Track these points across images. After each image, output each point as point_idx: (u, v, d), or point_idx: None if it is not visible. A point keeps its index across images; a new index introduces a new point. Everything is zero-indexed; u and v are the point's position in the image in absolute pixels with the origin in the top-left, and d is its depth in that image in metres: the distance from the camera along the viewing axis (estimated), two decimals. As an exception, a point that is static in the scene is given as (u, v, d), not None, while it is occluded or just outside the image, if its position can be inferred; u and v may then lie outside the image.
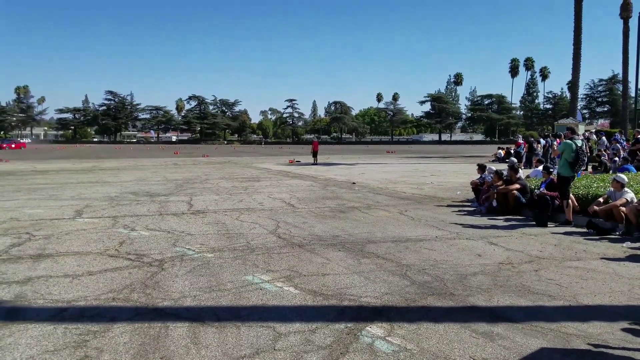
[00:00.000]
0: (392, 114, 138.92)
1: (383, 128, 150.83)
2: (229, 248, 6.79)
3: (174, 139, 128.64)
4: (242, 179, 18.16)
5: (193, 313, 4.39)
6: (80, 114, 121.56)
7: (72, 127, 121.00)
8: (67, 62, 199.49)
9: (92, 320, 4.23)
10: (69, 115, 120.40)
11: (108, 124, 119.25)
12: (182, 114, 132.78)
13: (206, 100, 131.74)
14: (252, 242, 7.13)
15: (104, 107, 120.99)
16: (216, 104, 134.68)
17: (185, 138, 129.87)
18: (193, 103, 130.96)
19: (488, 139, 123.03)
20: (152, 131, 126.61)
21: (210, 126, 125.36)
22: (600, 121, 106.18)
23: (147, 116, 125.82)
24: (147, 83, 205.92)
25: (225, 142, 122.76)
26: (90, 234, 7.72)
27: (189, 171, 22.83)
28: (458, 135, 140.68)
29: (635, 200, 8.11)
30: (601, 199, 8.50)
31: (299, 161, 32.35)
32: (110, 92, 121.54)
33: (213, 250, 6.65)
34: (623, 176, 8.58)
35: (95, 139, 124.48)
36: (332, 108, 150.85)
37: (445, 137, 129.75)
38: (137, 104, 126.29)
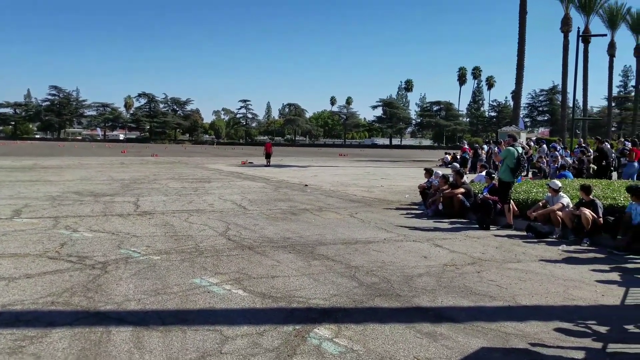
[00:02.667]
0: (345, 117, 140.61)
1: (336, 131, 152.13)
2: (177, 250, 6.63)
3: (121, 137, 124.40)
4: (192, 180, 17.79)
5: (137, 317, 4.25)
6: (21, 109, 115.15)
7: (13, 123, 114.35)
8: (8, 53, 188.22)
9: (28, 325, 4.01)
10: (9, 110, 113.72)
11: (51, 120, 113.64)
12: (131, 112, 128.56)
13: (156, 98, 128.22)
14: (201, 244, 7.00)
15: (48, 103, 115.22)
16: (167, 102, 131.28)
17: (134, 137, 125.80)
18: (143, 101, 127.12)
19: (436, 144, 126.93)
20: (98, 129, 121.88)
21: (160, 125, 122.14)
22: (541, 129, 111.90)
23: (94, 113, 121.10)
24: (94, 79, 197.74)
25: (176, 141, 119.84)
26: (29, 235, 7.32)
27: (137, 171, 22.11)
28: (408, 140, 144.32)
29: (570, 205, 8.59)
30: (540, 204, 8.92)
31: (251, 162, 32.07)
32: (55, 87, 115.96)
33: (160, 253, 6.47)
34: (556, 182, 9.05)
35: (37, 136, 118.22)
36: (287, 110, 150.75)
37: (395, 141, 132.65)
38: (83, 100, 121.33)
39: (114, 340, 3.80)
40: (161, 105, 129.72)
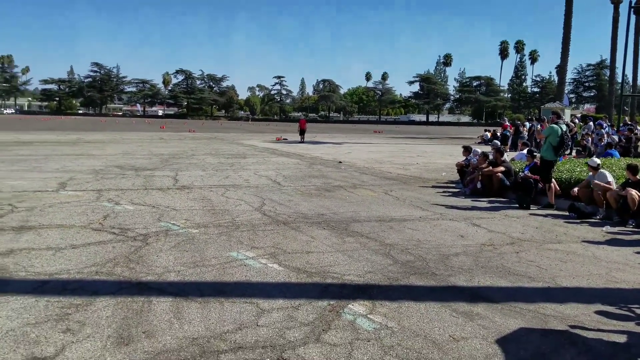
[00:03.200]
0: (380, 93, 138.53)
1: (371, 108, 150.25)
2: (214, 224, 6.77)
3: (160, 113, 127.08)
4: (228, 156, 18.03)
5: (176, 288, 4.39)
6: (65, 85, 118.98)
7: (57, 99, 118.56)
8: (52, 31, 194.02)
9: (74, 294, 4.20)
10: (53, 87, 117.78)
11: (93, 96, 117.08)
12: (169, 88, 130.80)
13: (193, 75, 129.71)
14: (237, 219, 7.11)
15: (90, 79, 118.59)
16: (203, 79, 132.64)
17: (172, 112, 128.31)
18: (180, 77, 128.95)
19: (475, 121, 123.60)
20: (138, 105, 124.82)
21: (197, 101, 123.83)
22: (587, 106, 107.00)
23: (134, 89, 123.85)
24: (135, 55, 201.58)
25: (212, 118, 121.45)
26: (73, 207, 7.63)
27: (175, 146, 22.58)
28: (446, 117, 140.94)
29: (614, 183, 8.26)
30: (583, 183, 8.62)
31: (286, 139, 32.18)
32: (96, 64, 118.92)
33: (198, 226, 6.62)
34: (595, 159, 8.80)
35: (80, 112, 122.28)
36: (321, 86, 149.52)
37: (432, 118, 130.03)
38: (124, 77, 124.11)
39: (154, 310, 3.94)
40: (198, 82, 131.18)
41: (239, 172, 12.77)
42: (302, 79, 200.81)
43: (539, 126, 22.06)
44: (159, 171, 12.59)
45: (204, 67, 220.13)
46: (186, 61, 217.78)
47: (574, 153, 20.37)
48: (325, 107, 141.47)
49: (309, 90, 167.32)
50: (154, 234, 6.18)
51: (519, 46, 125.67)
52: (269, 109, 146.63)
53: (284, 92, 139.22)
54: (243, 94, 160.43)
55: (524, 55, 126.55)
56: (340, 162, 16.53)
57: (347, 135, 44.06)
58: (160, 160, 15.62)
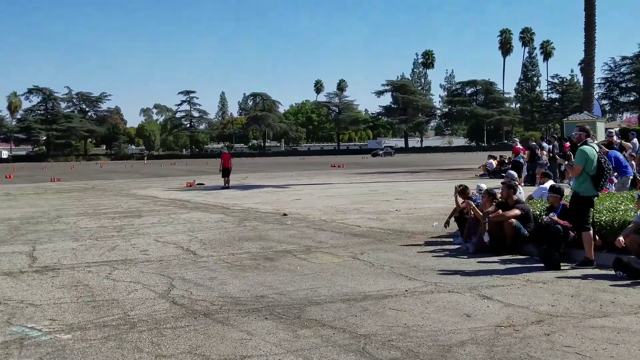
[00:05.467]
0: (337, 110, 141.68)
1: (325, 131, 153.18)
2: (97, 324, 6.56)
3: (5, 154, 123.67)
4: (114, 215, 17.70)
5: None
6: None
7: None
8: None
9: None
10: None
11: None
12: (18, 117, 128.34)
13: (55, 95, 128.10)
14: (133, 313, 6.93)
15: None
16: (72, 101, 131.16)
17: (24, 153, 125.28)
18: (35, 99, 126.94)
19: (473, 143, 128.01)
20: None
21: (62, 134, 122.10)
22: (626, 115, 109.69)
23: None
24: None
25: (87, 157, 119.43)
26: None
27: (30, 204, 21.98)
28: (432, 140, 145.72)
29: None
30: (631, 227, 8.90)
31: (201, 184, 32.00)
32: None
33: (71, 329, 6.40)
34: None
35: None
36: (250, 103, 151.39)
37: (413, 142, 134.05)
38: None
39: None
40: (63, 105, 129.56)
41: (132, 240, 12.53)
42: (223, 93, 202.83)
43: (565, 161, 23.00)
44: (5, 245, 12.19)
45: (71, 84, 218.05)
46: (43, 76, 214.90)
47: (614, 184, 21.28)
48: (259, 134, 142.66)
49: (233, 109, 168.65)
50: (1, 345, 5.90)
51: (526, 36, 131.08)
52: (174, 140, 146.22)
53: (195, 113, 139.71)
54: (133, 120, 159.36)
55: (534, 48, 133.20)
56: (284, 214, 16.58)
57: (294, 173, 44.41)
58: (7, 228, 15.12)
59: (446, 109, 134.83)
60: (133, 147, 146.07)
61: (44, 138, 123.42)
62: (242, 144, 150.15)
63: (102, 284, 8.48)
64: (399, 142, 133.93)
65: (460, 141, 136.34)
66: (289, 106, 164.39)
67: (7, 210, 19.93)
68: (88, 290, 8.13)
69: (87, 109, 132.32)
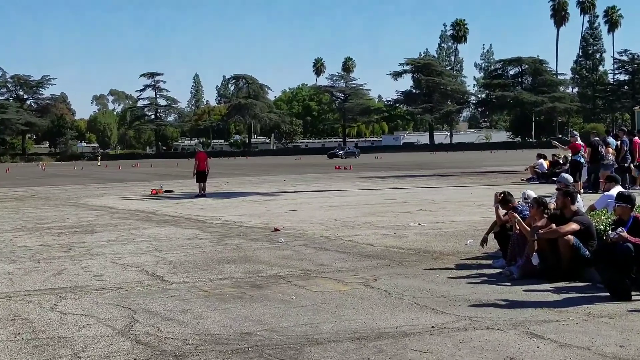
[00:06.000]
0: (342, 96, 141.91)
1: (328, 123, 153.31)
2: (39, 369, 6.55)
3: None
4: (60, 230, 17.72)
5: None
6: None
7: None
8: None
9: None
10: None
11: None
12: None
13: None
14: (85, 354, 6.95)
15: None
16: (5, 86, 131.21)
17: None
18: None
19: (517, 138, 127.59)
20: None
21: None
22: None
23: None
24: None
25: (25, 157, 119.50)
26: None
27: (-46, 217, 21.95)
28: (464, 134, 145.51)
29: None
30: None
31: (170, 191, 32.02)
32: None
33: (6, 376, 6.39)
34: None
35: None
36: (232, 89, 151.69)
37: (440, 137, 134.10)
38: None
39: None
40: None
41: (83, 262, 12.55)
42: (196, 76, 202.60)
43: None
44: None
45: (4, 65, 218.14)
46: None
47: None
48: (243, 127, 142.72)
49: (210, 96, 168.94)
50: None
51: (586, 3, 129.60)
52: (136, 135, 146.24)
53: (162, 101, 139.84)
54: (83, 111, 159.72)
55: (596, 17, 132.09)
56: (276, 229, 16.55)
57: (288, 177, 44.39)
58: None
59: (483, 95, 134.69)
60: (83, 144, 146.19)
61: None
62: (222, 140, 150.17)
63: (46, 318, 8.46)
64: (422, 137, 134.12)
65: (501, 136, 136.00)
66: (280, 92, 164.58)
67: None
68: (28, 326, 8.12)
69: (25, 97, 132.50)
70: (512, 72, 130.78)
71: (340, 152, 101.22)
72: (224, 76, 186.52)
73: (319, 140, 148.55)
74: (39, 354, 7.06)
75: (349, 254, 12.84)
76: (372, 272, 10.99)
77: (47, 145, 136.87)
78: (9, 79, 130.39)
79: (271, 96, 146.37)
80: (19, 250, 14.31)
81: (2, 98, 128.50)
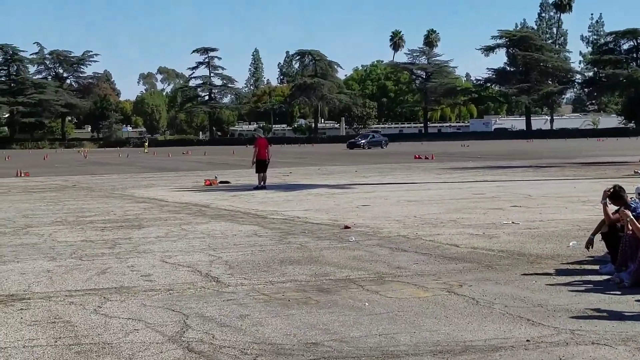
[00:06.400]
0: (424, 75, 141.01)
1: (406, 106, 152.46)
2: (82, 378, 6.71)
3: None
4: (104, 224, 18.05)
5: None
6: None
7: None
8: None
9: None
10: None
11: None
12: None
13: (20, 54, 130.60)
14: (132, 363, 7.06)
15: None
16: (43, 63, 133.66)
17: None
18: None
19: (631, 124, 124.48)
20: None
21: (31, 109, 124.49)
22: None
23: None
24: None
25: (65, 142, 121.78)
26: None
27: (-12, 208, 22.54)
28: (566, 119, 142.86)
29: None
30: None
31: (226, 182, 32.32)
32: None
33: (46, 384, 6.55)
34: None
35: None
36: (296, 66, 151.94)
37: (539, 122, 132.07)
38: None
39: None
40: (32, 69, 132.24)
41: (129, 260, 12.74)
42: (256, 52, 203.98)
43: None
44: (-44, 265, 12.51)
45: (43, 40, 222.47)
46: (3, 29, 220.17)
47: None
48: (309, 110, 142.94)
49: (271, 75, 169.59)
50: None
51: None
52: (187, 119, 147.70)
53: (217, 81, 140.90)
54: (129, 91, 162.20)
55: None
56: (346, 227, 16.59)
57: (359, 167, 44.33)
58: (-43, 240, 15.54)
59: (590, 73, 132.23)
60: (129, 128, 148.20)
61: (6, 115, 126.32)
62: (284, 125, 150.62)
63: (89, 321, 8.58)
64: (518, 122, 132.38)
65: (611, 121, 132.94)
66: (352, 70, 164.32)
67: (-44, 216, 20.46)
68: (70, 330, 8.25)
69: (65, 75, 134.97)
70: (625, 47, 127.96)
71: (363, 141, 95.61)
72: (287, 52, 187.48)
73: (396, 125, 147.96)
74: (80, 359, 7.23)
75: (430, 255, 12.79)
76: (456, 276, 10.94)
77: (89, 129, 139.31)
78: (47, 56, 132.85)
79: (341, 75, 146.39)
80: (59, 246, 14.57)
81: (40, 77, 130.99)
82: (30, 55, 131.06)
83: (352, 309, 9.06)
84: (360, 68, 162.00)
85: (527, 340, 7.67)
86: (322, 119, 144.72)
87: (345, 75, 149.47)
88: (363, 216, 18.67)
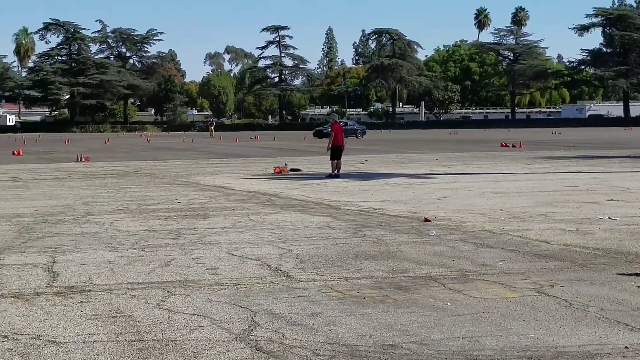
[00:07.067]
0: (511, 56, 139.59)
1: (492, 90, 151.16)
2: (144, 376, 6.78)
3: (11, 120, 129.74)
4: (168, 213, 18.28)
5: None
6: None
7: None
8: None
9: None
10: None
11: None
12: (30, 65, 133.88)
13: (82, 32, 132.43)
14: (197, 362, 7.11)
15: None
16: (106, 41, 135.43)
17: (38, 119, 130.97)
18: (54, 39, 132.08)
19: None
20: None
21: (93, 90, 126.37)
22: None
23: None
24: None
25: (127, 125, 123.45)
26: None
27: (48, 195, 22.99)
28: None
29: None
30: None
31: (297, 170, 32.45)
32: None
33: (107, 382, 6.63)
34: None
35: None
36: (373, 46, 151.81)
37: (637, 108, 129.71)
38: None
39: None
40: (93, 49, 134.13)
41: (194, 252, 12.85)
42: (329, 30, 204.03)
43: None
44: (14, 254, 12.75)
45: (105, 17, 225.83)
46: (64, 5, 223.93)
47: None
48: (385, 93, 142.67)
49: (346, 55, 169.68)
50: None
51: None
52: (256, 101, 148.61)
53: (288, 61, 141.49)
54: (195, 72, 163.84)
55: None
56: (427, 220, 16.51)
57: (440, 155, 44.13)
58: (16, 229, 15.86)
59: None
60: (194, 111, 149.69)
61: (67, 97, 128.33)
62: (359, 109, 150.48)
63: (151, 316, 8.67)
64: (615, 109, 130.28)
65: None
66: (433, 50, 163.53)
67: (15, 203, 20.90)
68: (132, 325, 8.34)
69: (127, 55, 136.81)
70: None
71: (322, 130, 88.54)
72: (363, 31, 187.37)
73: (481, 111, 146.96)
74: (144, 358, 7.27)
75: (518, 252, 12.66)
76: (547, 276, 10.80)
77: (153, 112, 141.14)
78: (109, 34, 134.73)
79: (421, 55, 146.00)
80: (120, 235, 14.78)
81: (102, 56, 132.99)
82: (92, 33, 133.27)
83: (432, 309, 9.00)
84: (442, 48, 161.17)
85: (626, 347, 7.53)
86: (400, 103, 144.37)
87: (426, 56, 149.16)
88: (444, 208, 18.58)
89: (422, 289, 10.08)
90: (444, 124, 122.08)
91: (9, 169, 35.49)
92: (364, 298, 9.57)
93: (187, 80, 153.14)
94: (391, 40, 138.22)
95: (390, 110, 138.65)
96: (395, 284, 10.40)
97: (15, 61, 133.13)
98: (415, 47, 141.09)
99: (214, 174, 31.84)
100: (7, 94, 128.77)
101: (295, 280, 10.62)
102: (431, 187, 24.36)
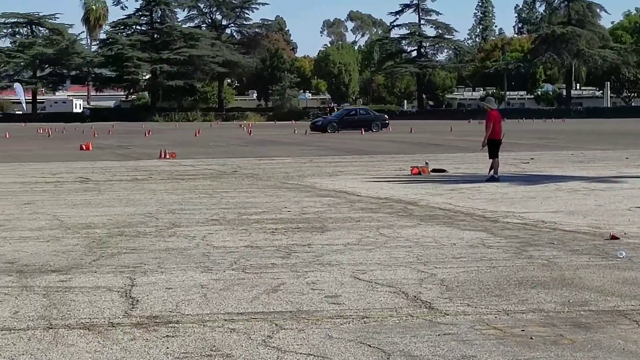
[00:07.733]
0: None
1: None
2: None
3: (78, 106, 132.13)
4: (276, 225, 18.42)
5: None
6: None
7: None
8: None
9: None
10: None
11: None
12: (103, 36, 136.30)
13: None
14: None
15: None
16: (195, 7, 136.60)
17: (111, 105, 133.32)
18: (131, 4, 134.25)
19: None
20: (18, 86, 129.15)
21: (179, 68, 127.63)
22: None
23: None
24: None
25: (224, 112, 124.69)
26: None
27: (125, 201, 23.44)
28: None
29: None
30: None
31: (441, 170, 32.39)
32: None
33: None
34: None
35: None
36: (541, 10, 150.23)
37: None
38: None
39: None
40: (180, 16, 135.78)
41: (308, 275, 12.91)
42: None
43: None
44: (83, 274, 13.01)
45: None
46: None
47: None
48: (559, 71, 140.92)
49: (506, 24, 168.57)
50: None
51: None
52: (387, 82, 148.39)
53: (429, 31, 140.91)
54: (309, 45, 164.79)
55: None
56: (613, 237, 16.27)
57: (632, 153, 43.55)
58: (86, 242, 16.20)
59: None
60: (308, 95, 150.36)
61: (147, 77, 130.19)
62: (522, 92, 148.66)
63: (256, 356, 8.73)
64: None
65: None
66: (622, 15, 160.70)
67: (84, 210, 21.36)
68: (229, 369, 8.46)
69: (224, 23, 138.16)
70: None
71: (329, 120, 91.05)
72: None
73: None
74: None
75: None
76: None
77: (255, 96, 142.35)
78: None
79: (606, 22, 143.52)
80: (215, 252, 14.91)
81: (192, 25, 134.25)
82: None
83: (622, 354, 8.82)
84: (635, 13, 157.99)
85: None
86: (578, 84, 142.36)
87: (612, 22, 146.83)
88: (638, 222, 18.29)
89: (608, 327, 9.92)
90: (636, 111, 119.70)
91: (76, 167, 36.25)
92: (531, 338, 9.46)
93: (298, 55, 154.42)
94: (566, 3, 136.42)
95: (564, 93, 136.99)
96: (572, 320, 10.26)
97: (83, 32, 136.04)
98: (598, 10, 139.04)
99: (333, 175, 32.04)
100: (73, 73, 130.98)
101: (440, 314, 10.56)
102: (619, 194, 24.06)
